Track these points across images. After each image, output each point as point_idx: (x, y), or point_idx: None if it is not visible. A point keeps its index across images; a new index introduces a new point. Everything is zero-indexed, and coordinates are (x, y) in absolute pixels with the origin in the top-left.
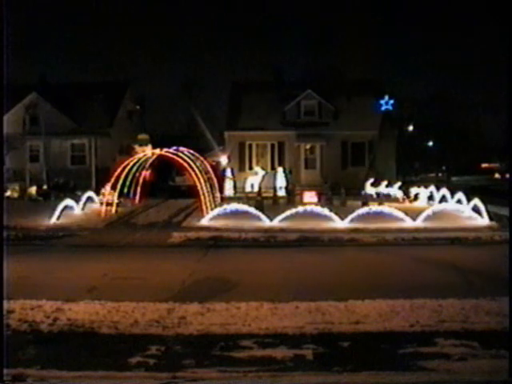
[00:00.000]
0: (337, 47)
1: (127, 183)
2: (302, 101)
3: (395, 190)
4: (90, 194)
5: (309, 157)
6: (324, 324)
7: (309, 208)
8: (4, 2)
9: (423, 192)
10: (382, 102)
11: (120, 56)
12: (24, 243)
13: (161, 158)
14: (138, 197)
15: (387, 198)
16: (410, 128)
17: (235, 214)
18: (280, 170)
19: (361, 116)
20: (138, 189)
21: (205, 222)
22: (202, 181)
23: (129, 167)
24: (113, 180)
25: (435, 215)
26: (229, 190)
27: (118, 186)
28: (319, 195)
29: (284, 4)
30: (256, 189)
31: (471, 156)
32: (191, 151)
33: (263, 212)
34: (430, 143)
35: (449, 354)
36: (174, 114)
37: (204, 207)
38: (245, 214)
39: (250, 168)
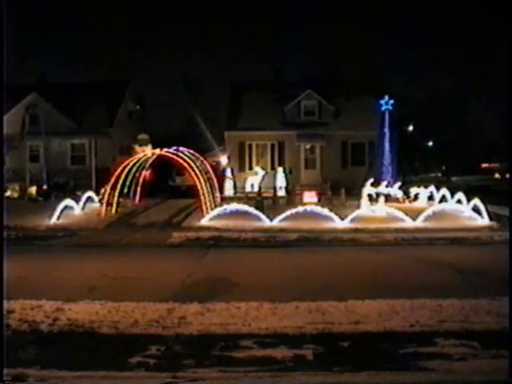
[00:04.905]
0: (337, 47)
1: (127, 183)
2: (302, 101)
3: (395, 190)
4: (90, 194)
5: (309, 157)
6: (324, 324)
7: (309, 208)
8: (4, 2)
9: (423, 192)
10: (382, 102)
11: (120, 56)
12: (24, 243)
13: (161, 158)
14: (137, 197)
15: (387, 198)
16: (410, 128)
17: (235, 214)
18: (280, 170)
19: (361, 116)
20: (138, 189)
21: (205, 222)
22: (202, 181)
23: (129, 167)
24: (113, 180)
25: (435, 215)
26: (229, 190)
27: (118, 186)
28: (319, 195)
29: (284, 4)
30: (256, 189)
31: (471, 156)
32: (191, 151)
33: (263, 212)
34: (430, 143)
35: (449, 354)
36: (174, 113)
37: (204, 207)
38: (245, 214)
39: (250, 168)
